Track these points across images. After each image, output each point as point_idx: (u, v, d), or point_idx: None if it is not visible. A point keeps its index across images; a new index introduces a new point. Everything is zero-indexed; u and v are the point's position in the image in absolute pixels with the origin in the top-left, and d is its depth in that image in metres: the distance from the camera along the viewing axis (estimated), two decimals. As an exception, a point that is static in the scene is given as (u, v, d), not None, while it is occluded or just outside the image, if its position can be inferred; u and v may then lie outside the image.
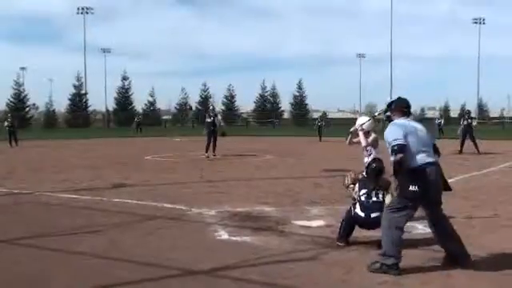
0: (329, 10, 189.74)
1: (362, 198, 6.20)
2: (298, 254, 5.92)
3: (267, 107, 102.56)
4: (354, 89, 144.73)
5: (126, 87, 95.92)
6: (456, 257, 5.39)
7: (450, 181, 12.73)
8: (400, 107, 5.59)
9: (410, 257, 5.67)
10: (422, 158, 5.19)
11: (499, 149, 23.75)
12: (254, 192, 10.62)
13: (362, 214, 6.11)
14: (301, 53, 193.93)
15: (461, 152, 20.99)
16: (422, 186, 5.11)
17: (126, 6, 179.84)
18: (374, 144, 7.80)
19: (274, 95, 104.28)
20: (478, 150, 21.11)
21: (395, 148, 5.10)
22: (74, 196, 10.23)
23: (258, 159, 19.48)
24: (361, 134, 7.77)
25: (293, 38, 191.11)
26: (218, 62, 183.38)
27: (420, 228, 7.22)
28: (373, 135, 7.85)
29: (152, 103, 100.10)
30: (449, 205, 8.91)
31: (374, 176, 6.39)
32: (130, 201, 9.53)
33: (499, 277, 5.11)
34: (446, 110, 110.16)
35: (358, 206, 6.20)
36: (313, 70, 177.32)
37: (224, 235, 6.88)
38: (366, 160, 7.49)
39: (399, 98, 5.78)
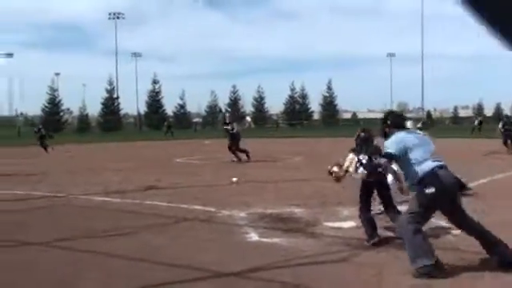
0: (356, 10, 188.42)
1: (364, 161, 6.68)
2: (329, 255, 5.89)
3: (296, 108, 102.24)
4: (384, 88, 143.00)
5: (157, 90, 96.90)
6: (498, 257, 5.27)
7: (483, 181, 12.45)
8: (394, 122, 5.80)
9: (440, 257, 5.57)
10: (430, 164, 5.30)
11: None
12: (283, 194, 10.60)
13: (365, 172, 6.61)
14: (329, 53, 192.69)
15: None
16: (437, 187, 5.17)
17: (156, 10, 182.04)
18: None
19: (304, 96, 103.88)
20: None
21: (389, 155, 5.52)
22: (107, 199, 10.40)
23: (287, 161, 19.46)
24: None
25: (321, 39, 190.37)
26: (246, 65, 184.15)
27: (453, 230, 7.08)
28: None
29: (182, 106, 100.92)
30: (483, 205, 8.76)
31: (363, 143, 6.89)
32: (160, 203, 9.63)
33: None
34: (479, 109, 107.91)
35: (360, 168, 6.67)
36: (342, 71, 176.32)
37: (254, 237, 6.89)
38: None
39: (392, 113, 6.26)
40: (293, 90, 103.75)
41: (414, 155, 5.34)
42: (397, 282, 4.93)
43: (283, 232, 7.10)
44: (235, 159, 18.37)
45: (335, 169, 6.90)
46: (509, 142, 21.06)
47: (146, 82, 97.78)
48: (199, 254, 6.04)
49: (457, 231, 6.90)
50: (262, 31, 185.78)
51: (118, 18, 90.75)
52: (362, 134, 7.21)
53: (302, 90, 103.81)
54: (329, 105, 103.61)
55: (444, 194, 5.22)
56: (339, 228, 7.29)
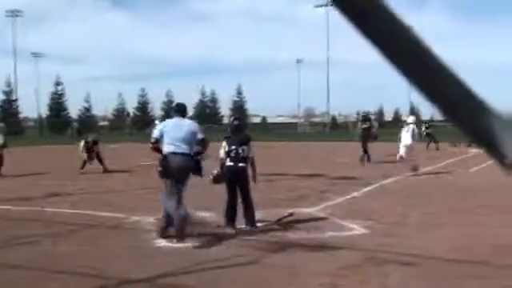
0: (268, 16, 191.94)
1: (232, 154, 7.47)
2: (239, 258, 5.91)
3: (207, 112, 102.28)
4: (293, 94, 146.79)
5: (60, 93, 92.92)
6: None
7: (384, 182, 13.13)
8: (177, 110, 7.72)
9: (347, 257, 5.81)
10: (168, 148, 7.09)
11: (431, 151, 24.67)
12: (193, 197, 10.52)
13: (231, 163, 7.45)
14: (240, 58, 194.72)
15: (363, 160, 18.04)
16: (164, 167, 7.04)
17: (59, 8, 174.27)
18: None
19: (214, 100, 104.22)
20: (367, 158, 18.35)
21: (151, 139, 7.43)
22: (7, 206, 9.78)
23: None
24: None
25: (232, 43, 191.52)
26: (156, 67, 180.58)
27: (356, 229, 7.40)
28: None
29: (88, 109, 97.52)
30: (385, 206, 9.23)
31: (235, 131, 7.86)
32: (65, 210, 9.21)
33: (433, 273, 5.31)
34: (380, 114, 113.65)
35: (228, 159, 7.50)
36: (252, 75, 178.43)
37: (163, 242, 6.77)
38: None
39: (177, 104, 8.21)
40: (203, 93, 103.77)
41: (163, 137, 7.18)
42: (305, 283, 5.05)
43: (192, 236, 7.03)
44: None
45: (214, 171, 7.78)
46: (432, 143, 23.11)
47: (49, 83, 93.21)
48: (106, 261, 5.84)
49: (361, 231, 7.23)
50: (172, 34, 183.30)
51: (16, 15, 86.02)
52: (235, 122, 7.93)
53: (213, 94, 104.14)
54: (239, 109, 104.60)
55: (167, 172, 7.06)
56: (249, 231, 7.35)
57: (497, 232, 7.06)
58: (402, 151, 15.57)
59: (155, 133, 7.37)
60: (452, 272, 5.38)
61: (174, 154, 7.03)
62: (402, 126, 16.72)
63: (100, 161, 16.73)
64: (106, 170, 16.42)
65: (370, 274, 5.27)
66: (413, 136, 15.60)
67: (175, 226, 6.86)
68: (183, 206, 7.04)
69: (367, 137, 18.49)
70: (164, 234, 6.93)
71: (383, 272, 5.32)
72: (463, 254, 5.97)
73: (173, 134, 7.16)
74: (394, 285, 5.00)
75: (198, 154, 7.34)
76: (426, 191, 11.15)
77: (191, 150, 7.22)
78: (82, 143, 16.86)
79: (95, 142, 16.94)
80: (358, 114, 25.09)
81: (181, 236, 6.81)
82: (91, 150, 16.62)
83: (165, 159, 7.07)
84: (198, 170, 7.27)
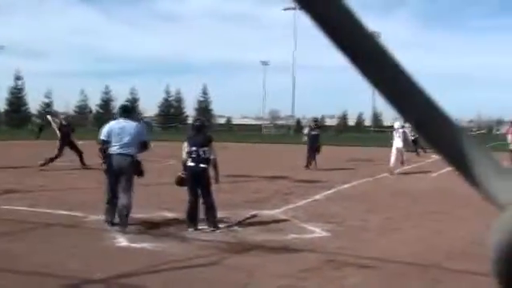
0: (234, 17, 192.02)
1: (193, 155, 7.51)
2: (200, 259, 5.90)
3: (171, 112, 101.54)
4: (258, 96, 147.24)
5: (19, 87, 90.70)
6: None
7: (345, 186, 13.27)
8: (122, 112, 8.34)
9: (307, 259, 5.87)
10: (112, 149, 7.71)
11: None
12: (155, 198, 10.43)
13: (193, 164, 7.48)
14: (206, 58, 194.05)
15: (308, 166, 17.33)
16: (108, 164, 7.74)
17: (24, 1, 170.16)
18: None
19: (179, 100, 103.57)
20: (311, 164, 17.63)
21: (99, 140, 7.98)
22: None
23: (160, 165, 19.21)
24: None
25: (199, 44, 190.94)
26: (121, 65, 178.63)
27: (317, 232, 7.47)
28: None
29: (48, 105, 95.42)
30: (346, 209, 9.36)
31: (196, 132, 7.85)
32: (21, 208, 8.98)
33: (390, 276, 5.41)
34: (344, 118, 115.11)
35: (189, 159, 7.54)
36: (218, 76, 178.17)
37: (123, 242, 6.69)
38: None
39: (123, 105, 8.95)
40: (168, 93, 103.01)
41: (111, 138, 7.76)
42: (264, 284, 5.08)
43: (153, 237, 6.98)
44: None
45: (179, 173, 7.81)
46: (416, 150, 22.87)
47: (8, 77, 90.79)
48: (63, 260, 5.73)
49: (322, 233, 7.31)
50: (138, 32, 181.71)
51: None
52: (196, 123, 8.04)
53: (178, 93, 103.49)
54: (204, 109, 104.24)
55: (109, 169, 7.77)
56: (210, 232, 7.33)
57: (451, 236, 7.25)
58: (393, 156, 16.52)
59: (102, 135, 7.89)
60: (407, 275, 5.50)
61: (117, 154, 7.69)
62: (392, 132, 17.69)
63: (78, 152, 16.69)
64: (84, 165, 16.35)
65: (329, 276, 5.34)
66: (404, 140, 16.58)
67: (117, 213, 7.62)
68: (127, 196, 7.62)
69: (316, 143, 17.65)
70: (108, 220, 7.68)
71: (342, 275, 5.39)
72: (419, 258, 6.10)
73: (117, 135, 7.78)
74: (352, 287, 5.07)
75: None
76: (385, 196, 11.35)
77: (134, 151, 7.82)
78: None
79: (72, 129, 17.00)
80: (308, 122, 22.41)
81: (123, 224, 7.48)
82: (66, 138, 16.56)
83: (109, 158, 7.72)
84: (138, 171, 7.88)
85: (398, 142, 16.71)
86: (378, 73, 0.37)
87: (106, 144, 7.80)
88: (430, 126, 0.36)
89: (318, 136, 17.98)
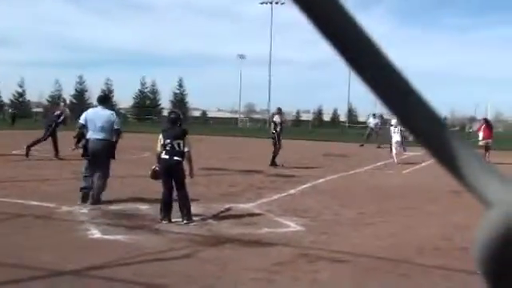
0: (212, 10, 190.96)
1: (167, 148, 7.49)
2: (173, 252, 5.89)
3: (147, 104, 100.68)
4: (234, 89, 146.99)
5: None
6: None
7: (320, 181, 13.31)
8: (99, 100, 9.52)
9: (280, 253, 5.91)
10: (90, 134, 8.76)
11: (367, 151, 25.36)
12: (129, 189, 10.36)
13: (167, 156, 7.47)
14: (182, 50, 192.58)
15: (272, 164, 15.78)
16: (87, 148, 8.79)
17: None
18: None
19: (154, 92, 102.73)
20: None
21: (79, 124, 9.16)
22: None
23: (135, 156, 19.06)
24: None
25: (175, 35, 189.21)
26: (96, 55, 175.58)
27: (291, 226, 7.53)
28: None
29: (21, 94, 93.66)
30: (320, 204, 9.43)
31: (170, 125, 7.90)
32: (-8, 198, 8.82)
33: (362, 271, 5.49)
34: (319, 114, 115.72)
35: (164, 152, 7.52)
36: (194, 69, 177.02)
37: (96, 234, 6.64)
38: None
39: (100, 95, 10.10)
40: (143, 84, 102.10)
41: (87, 124, 8.84)
42: (237, 277, 5.10)
43: (127, 229, 6.95)
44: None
45: (153, 166, 7.83)
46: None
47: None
48: (34, 252, 5.66)
49: (296, 228, 7.37)
50: (113, 22, 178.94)
51: None
52: (171, 116, 8.09)
53: (153, 85, 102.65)
54: (179, 102, 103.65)
55: (87, 151, 8.76)
56: (184, 224, 7.32)
57: (422, 232, 7.38)
58: (394, 148, 18.74)
59: (81, 119, 9.08)
60: (379, 269, 5.59)
61: (94, 139, 8.75)
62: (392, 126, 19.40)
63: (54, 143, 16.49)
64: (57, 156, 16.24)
65: (302, 270, 5.39)
66: (401, 133, 18.19)
67: (93, 192, 8.51)
68: (102, 178, 8.57)
69: (279, 137, 16.10)
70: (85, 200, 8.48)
71: (315, 268, 5.45)
72: (390, 252, 6.20)
73: (94, 121, 8.83)
74: (325, 281, 5.13)
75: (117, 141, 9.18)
76: (359, 191, 11.48)
77: (108, 136, 8.85)
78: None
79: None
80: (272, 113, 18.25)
81: (95, 201, 8.46)
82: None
83: (86, 142, 8.90)
84: (111, 154, 8.98)
85: (396, 137, 18.59)
86: (371, 72, 0.38)
87: (83, 128, 9.02)
88: (422, 125, 0.37)
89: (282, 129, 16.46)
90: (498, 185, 0.35)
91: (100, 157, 8.67)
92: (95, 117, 8.92)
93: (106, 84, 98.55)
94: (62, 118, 17.09)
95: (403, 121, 0.37)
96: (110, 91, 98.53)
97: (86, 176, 8.74)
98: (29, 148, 16.55)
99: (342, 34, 0.37)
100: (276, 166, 15.57)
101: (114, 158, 9.01)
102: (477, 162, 0.35)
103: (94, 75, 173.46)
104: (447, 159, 0.35)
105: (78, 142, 9.11)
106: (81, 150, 9.03)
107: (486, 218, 0.35)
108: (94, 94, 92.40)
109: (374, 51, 0.38)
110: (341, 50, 0.38)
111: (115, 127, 9.01)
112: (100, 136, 8.72)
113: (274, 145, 16.06)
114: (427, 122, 0.36)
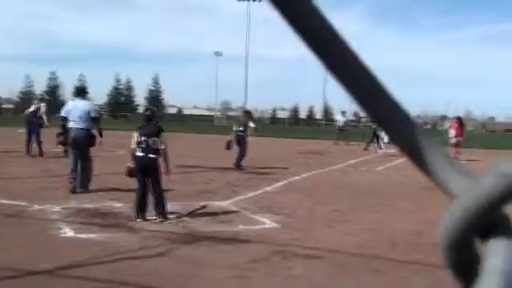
0: (188, 7, 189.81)
1: (142, 145, 7.45)
2: (148, 250, 5.86)
3: (121, 100, 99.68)
4: (210, 86, 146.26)
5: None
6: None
7: (295, 178, 13.37)
8: (77, 93, 10.48)
9: (255, 250, 5.93)
10: (70, 124, 9.73)
11: (341, 149, 25.55)
12: (103, 188, 10.25)
13: (142, 154, 7.43)
14: (158, 47, 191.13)
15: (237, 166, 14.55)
16: (68, 136, 9.89)
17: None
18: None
19: (129, 88, 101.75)
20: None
21: (61, 117, 10.32)
22: None
23: (110, 154, 18.88)
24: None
25: (151, 32, 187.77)
26: (69, 51, 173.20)
27: (266, 223, 7.56)
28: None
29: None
30: (295, 201, 9.48)
31: (145, 122, 7.86)
32: (-39, 196, 8.64)
33: (335, 267, 5.55)
34: (295, 111, 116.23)
35: (139, 149, 7.47)
36: (170, 66, 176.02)
37: (69, 233, 6.56)
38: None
39: (77, 88, 11.21)
40: (118, 81, 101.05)
41: (68, 114, 9.82)
42: (211, 275, 5.10)
43: (101, 227, 6.88)
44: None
45: (129, 164, 7.77)
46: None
47: None
48: (5, 251, 5.57)
49: (271, 225, 7.40)
50: (87, 17, 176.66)
51: None
52: (146, 113, 8.03)
53: (128, 82, 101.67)
54: (155, 99, 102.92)
55: (69, 140, 9.91)
56: (159, 222, 7.29)
57: (394, 228, 7.49)
58: (383, 145, 21.17)
59: (62, 112, 10.15)
60: (352, 265, 5.65)
61: (74, 128, 9.68)
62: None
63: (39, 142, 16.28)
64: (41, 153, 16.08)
65: (276, 266, 5.42)
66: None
67: (79, 178, 9.41)
68: (85, 163, 9.59)
69: (244, 137, 15.17)
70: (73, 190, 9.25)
71: (289, 265, 5.49)
72: (363, 248, 6.28)
73: (72, 112, 9.79)
74: (299, 277, 5.17)
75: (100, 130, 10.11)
76: (333, 188, 11.57)
77: (87, 125, 9.70)
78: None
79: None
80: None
81: (83, 186, 9.47)
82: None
83: (68, 132, 10.02)
84: (91, 142, 9.80)
85: (383, 134, 20.27)
86: (344, 72, 0.39)
87: (64, 120, 10.05)
88: (391, 121, 0.38)
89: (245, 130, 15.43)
90: (461, 179, 0.37)
91: (80, 144, 9.59)
92: (74, 108, 9.89)
93: (80, 80, 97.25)
94: (39, 114, 16.79)
95: (373, 117, 0.39)
96: (84, 87, 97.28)
97: (72, 170, 9.49)
98: (28, 152, 16.25)
99: (313, 33, 0.38)
100: (241, 167, 14.46)
101: (93, 145, 9.83)
102: (443, 157, 0.37)
103: (67, 71, 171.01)
104: (415, 154, 0.37)
105: (61, 135, 10.51)
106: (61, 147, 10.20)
107: (449, 209, 0.36)
108: (66, 91, 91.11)
109: (343, 49, 0.39)
110: (312, 47, 0.39)
111: (93, 115, 9.89)
112: (79, 125, 9.64)
113: (241, 144, 14.93)
114: (397, 119, 0.38)
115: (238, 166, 14.56)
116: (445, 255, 0.38)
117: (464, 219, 0.36)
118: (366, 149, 23.22)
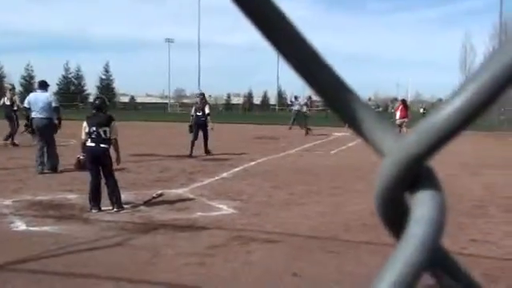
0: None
1: (93, 135, 7.36)
2: (104, 241, 5.79)
3: (71, 90, 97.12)
4: (163, 74, 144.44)
5: None
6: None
7: (251, 164, 13.44)
8: (39, 85, 11.44)
9: (214, 237, 5.95)
10: (33, 114, 10.82)
11: (296, 133, 25.76)
12: (56, 179, 10.03)
13: (93, 144, 7.35)
14: (108, 35, 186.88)
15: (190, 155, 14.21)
16: (32, 127, 11.05)
17: None
18: None
19: (79, 77, 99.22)
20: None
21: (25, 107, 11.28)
22: None
23: (61, 144, 18.43)
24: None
25: (100, 19, 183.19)
26: (14, 40, 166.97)
27: (224, 209, 7.58)
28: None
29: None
30: (252, 187, 9.54)
31: (95, 111, 7.71)
32: None
33: (293, 250, 5.64)
34: (249, 97, 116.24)
35: (89, 140, 7.37)
36: (121, 53, 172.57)
37: (21, 226, 6.40)
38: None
39: (39, 81, 11.67)
40: (67, 70, 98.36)
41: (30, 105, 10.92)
42: (170, 263, 5.10)
43: (54, 219, 6.74)
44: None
45: (79, 156, 7.93)
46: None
47: None
48: (-45, 248, 5.38)
49: (229, 211, 7.43)
50: (34, 4, 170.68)
51: None
52: (96, 102, 7.98)
53: (78, 70, 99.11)
54: (106, 87, 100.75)
55: (33, 128, 11.02)
56: (114, 212, 7.20)
57: (349, 210, 7.66)
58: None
59: (25, 103, 11.25)
60: (309, 248, 5.76)
61: (37, 118, 10.71)
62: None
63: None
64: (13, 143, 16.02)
65: (235, 252, 5.46)
66: None
67: (48, 162, 10.64)
68: (51, 149, 10.73)
69: (205, 123, 14.94)
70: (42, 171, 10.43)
71: (248, 250, 5.54)
72: (320, 231, 6.40)
73: (35, 103, 10.81)
74: (257, 261, 5.23)
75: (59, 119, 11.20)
76: (289, 172, 11.70)
77: (49, 115, 10.84)
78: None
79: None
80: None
81: (52, 168, 10.71)
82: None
83: (31, 122, 10.90)
84: (54, 129, 10.99)
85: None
86: (291, 52, 0.41)
87: (28, 111, 11.04)
88: (333, 94, 0.41)
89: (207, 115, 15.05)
90: (390, 138, 0.40)
91: (44, 132, 10.75)
92: (36, 99, 10.98)
93: (27, 70, 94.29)
94: (15, 106, 16.45)
95: (314, 89, 0.41)
96: (32, 77, 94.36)
97: (40, 155, 10.63)
98: (13, 143, 16.09)
99: (264, 18, 0.40)
100: (210, 153, 14.64)
101: (56, 132, 11.03)
102: (374, 119, 0.40)
103: (12, 60, 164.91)
104: (350, 118, 0.40)
105: (28, 126, 11.26)
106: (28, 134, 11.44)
107: (381, 166, 0.39)
108: (13, 81, 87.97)
109: (292, 32, 0.40)
110: (263, 31, 0.40)
111: (54, 105, 11.06)
112: (42, 115, 10.77)
113: (202, 130, 14.87)
114: (335, 87, 0.41)
115: (207, 152, 14.80)
116: (379, 211, 0.41)
117: (393, 174, 0.39)
118: (307, 133, 23.98)
